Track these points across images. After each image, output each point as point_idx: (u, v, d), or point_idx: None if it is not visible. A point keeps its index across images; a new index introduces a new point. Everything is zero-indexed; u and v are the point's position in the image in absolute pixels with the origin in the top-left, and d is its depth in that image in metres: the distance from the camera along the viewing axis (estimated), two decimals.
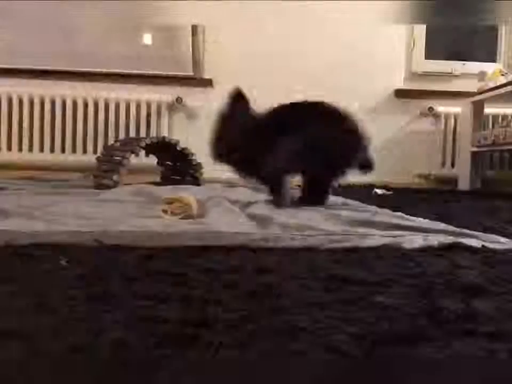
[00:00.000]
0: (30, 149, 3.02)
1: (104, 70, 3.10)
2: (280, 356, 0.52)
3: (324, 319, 0.62)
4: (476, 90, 3.15)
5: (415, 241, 1.11)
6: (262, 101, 3.20)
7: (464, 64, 3.46)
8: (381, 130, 3.31)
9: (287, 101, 3.21)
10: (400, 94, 3.32)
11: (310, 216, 1.46)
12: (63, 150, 3.05)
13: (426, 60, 3.44)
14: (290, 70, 3.23)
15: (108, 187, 2.13)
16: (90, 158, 2.85)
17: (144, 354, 0.51)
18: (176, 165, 2.64)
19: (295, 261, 0.95)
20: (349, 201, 1.90)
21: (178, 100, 3.13)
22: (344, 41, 3.27)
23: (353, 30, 3.26)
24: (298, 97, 3.25)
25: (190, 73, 3.17)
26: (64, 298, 0.68)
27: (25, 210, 1.32)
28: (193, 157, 2.53)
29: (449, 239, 1.12)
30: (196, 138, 3.11)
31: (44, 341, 0.53)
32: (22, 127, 3.02)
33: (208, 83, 3.18)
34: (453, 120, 3.35)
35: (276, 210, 1.54)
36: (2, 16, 3.01)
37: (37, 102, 3.03)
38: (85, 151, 3.06)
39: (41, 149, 3.04)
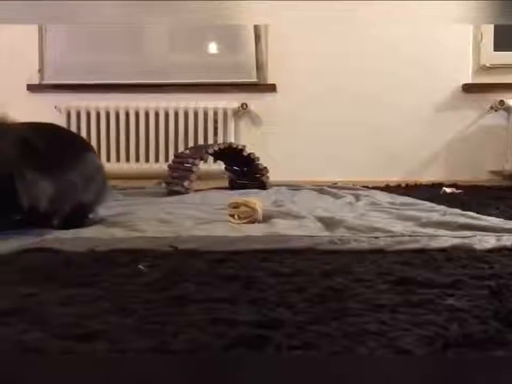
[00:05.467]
0: (108, 158, 3.19)
1: (173, 81, 3.21)
2: (349, 357, 0.53)
3: (392, 321, 0.62)
4: None
5: (487, 241, 1.08)
6: (325, 104, 3.20)
7: None
8: (449, 127, 3.20)
9: (351, 103, 3.18)
10: (469, 88, 3.20)
11: (377, 218, 1.45)
12: (137, 159, 3.21)
13: (495, 52, 3.30)
14: (354, 71, 3.20)
15: (179, 193, 2.20)
16: (162, 166, 2.96)
17: (219, 354, 0.54)
18: (243, 169, 2.69)
19: (362, 263, 0.96)
20: (417, 201, 1.86)
21: (243, 105, 3.19)
22: (409, 37, 3.20)
23: (418, 25, 3.18)
24: (364, 97, 3.21)
25: (254, 79, 3.22)
26: (142, 301, 0.73)
27: (104, 218, 1.40)
28: (259, 161, 2.57)
29: None
30: (261, 142, 3.16)
31: (126, 341, 0.57)
32: (99, 138, 3.20)
33: (272, 88, 3.22)
34: None
35: (343, 212, 1.54)
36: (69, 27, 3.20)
37: (112, 114, 3.19)
38: (157, 160, 3.19)
39: (118, 159, 3.21)
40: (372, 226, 1.25)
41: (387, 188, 2.43)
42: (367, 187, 2.44)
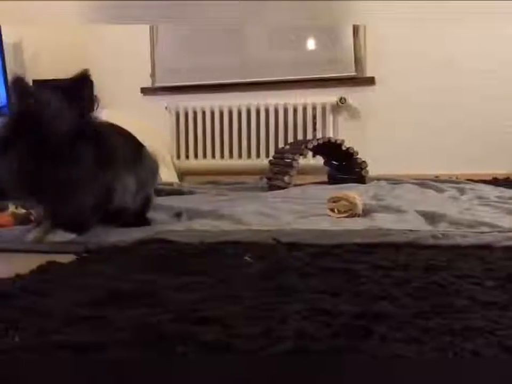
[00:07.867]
0: (213, 155, 3.35)
1: (272, 78, 3.28)
2: (454, 354, 0.52)
3: (501, 319, 0.61)
4: None
5: None
6: (427, 95, 3.08)
7: None
8: None
9: (453, 93, 3.03)
10: None
11: (483, 212, 1.40)
12: (240, 156, 3.33)
13: None
14: (458, 60, 3.05)
15: (280, 188, 2.25)
16: (263, 162, 3.04)
17: (323, 344, 0.56)
18: (342, 164, 2.69)
19: (467, 259, 0.93)
20: None
21: (342, 100, 3.17)
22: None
23: None
24: (468, 87, 3.04)
25: (353, 72, 3.18)
26: (249, 290, 0.77)
27: (213, 212, 1.48)
28: (358, 156, 2.55)
29: None
30: (360, 136, 3.12)
31: (237, 327, 0.62)
32: (205, 136, 3.35)
33: (370, 81, 3.17)
34: None
35: (446, 207, 1.50)
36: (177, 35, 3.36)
37: (216, 113, 3.34)
38: (258, 155, 3.29)
39: (222, 156, 3.35)
40: (477, 221, 1.21)
41: (495, 181, 2.31)
42: (472, 180, 2.33)
